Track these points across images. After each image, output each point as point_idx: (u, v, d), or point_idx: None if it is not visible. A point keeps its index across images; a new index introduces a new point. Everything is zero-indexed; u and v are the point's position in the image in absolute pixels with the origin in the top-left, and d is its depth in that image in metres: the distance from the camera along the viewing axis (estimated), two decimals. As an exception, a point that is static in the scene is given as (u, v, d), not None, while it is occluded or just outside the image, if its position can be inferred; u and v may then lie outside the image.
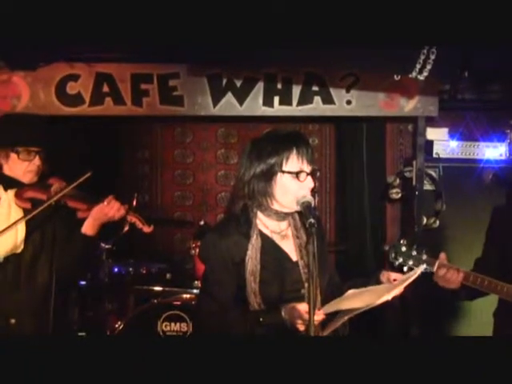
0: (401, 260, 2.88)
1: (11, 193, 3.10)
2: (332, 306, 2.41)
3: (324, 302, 2.48)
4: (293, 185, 2.50)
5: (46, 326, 3.06)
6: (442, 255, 2.96)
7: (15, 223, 3.01)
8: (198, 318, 2.98)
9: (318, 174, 2.61)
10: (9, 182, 3.14)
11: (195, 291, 4.51)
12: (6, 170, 3.15)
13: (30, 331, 3.11)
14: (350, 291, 2.51)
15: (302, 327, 2.39)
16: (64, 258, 3.09)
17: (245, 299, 2.54)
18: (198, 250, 4.63)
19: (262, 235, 2.58)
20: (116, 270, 4.74)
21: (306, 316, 2.31)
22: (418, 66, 2.71)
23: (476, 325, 4.35)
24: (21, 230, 3.10)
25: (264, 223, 2.61)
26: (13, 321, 3.10)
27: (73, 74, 4.27)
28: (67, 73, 4.27)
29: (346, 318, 2.43)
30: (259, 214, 2.60)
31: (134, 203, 3.27)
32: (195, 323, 3.56)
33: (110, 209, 3.03)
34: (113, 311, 4.70)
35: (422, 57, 2.65)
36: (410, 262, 2.88)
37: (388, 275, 2.59)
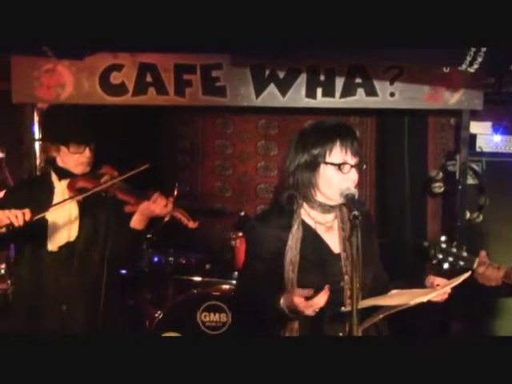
0: (441, 257, 2.87)
1: (64, 183, 3.16)
2: (369, 302, 2.40)
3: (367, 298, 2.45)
4: (336, 176, 2.49)
5: (96, 315, 3.11)
6: (482, 253, 2.93)
7: (60, 203, 3.07)
8: (235, 303, 3.01)
9: (364, 166, 2.58)
10: (62, 173, 3.19)
11: (234, 282, 4.53)
12: (59, 162, 3.21)
13: (80, 319, 3.16)
14: (394, 291, 2.51)
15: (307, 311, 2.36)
16: (114, 249, 3.13)
17: (283, 288, 2.53)
18: (237, 241, 4.66)
19: (305, 226, 2.58)
20: (156, 259, 4.78)
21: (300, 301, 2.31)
22: (469, 59, 2.67)
23: None
24: (74, 221, 3.16)
25: (309, 214, 2.60)
26: (64, 307, 3.15)
27: (116, 64, 4.29)
28: (111, 63, 4.29)
29: (381, 316, 2.43)
30: (305, 205, 2.60)
31: (175, 193, 3.27)
32: (232, 307, 3.56)
33: (156, 206, 3.06)
34: (152, 301, 4.74)
35: (473, 49, 2.61)
36: (450, 259, 2.86)
37: (433, 280, 2.56)
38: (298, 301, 2.31)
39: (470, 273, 2.67)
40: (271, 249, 2.56)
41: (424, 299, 2.32)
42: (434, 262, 2.87)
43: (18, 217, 2.77)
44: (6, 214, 2.79)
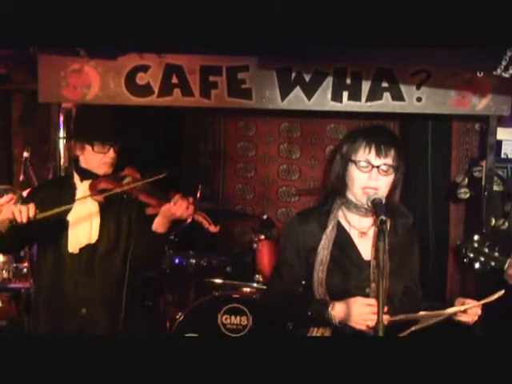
0: (472, 256, 2.82)
1: (86, 184, 3.15)
2: (400, 317, 2.40)
3: (393, 310, 2.45)
4: (358, 175, 2.50)
5: (117, 318, 3.10)
6: None
7: (81, 198, 3.08)
8: (266, 294, 3.03)
9: (399, 170, 2.57)
10: (84, 174, 3.18)
11: (255, 285, 4.53)
12: (82, 162, 3.20)
13: (101, 321, 3.14)
14: (421, 312, 2.48)
15: (360, 326, 2.39)
16: (136, 252, 3.12)
17: (312, 287, 2.56)
18: (259, 244, 4.65)
19: (340, 228, 2.59)
20: (177, 261, 4.77)
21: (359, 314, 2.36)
22: (504, 63, 2.63)
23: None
24: (95, 222, 3.15)
25: (346, 217, 2.60)
26: (84, 310, 3.13)
27: (143, 65, 4.30)
28: (137, 63, 4.30)
29: (413, 328, 2.42)
30: (343, 207, 2.60)
31: (198, 195, 3.27)
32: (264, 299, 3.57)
33: (177, 208, 3.02)
34: (173, 302, 4.74)
35: (509, 53, 2.58)
36: (482, 259, 2.82)
37: (463, 301, 2.54)
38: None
39: (503, 291, 2.64)
40: (306, 246, 2.58)
41: (462, 308, 2.33)
42: (465, 260, 2.83)
43: (21, 212, 2.74)
44: (11, 208, 2.77)
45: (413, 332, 2.44)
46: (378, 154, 2.50)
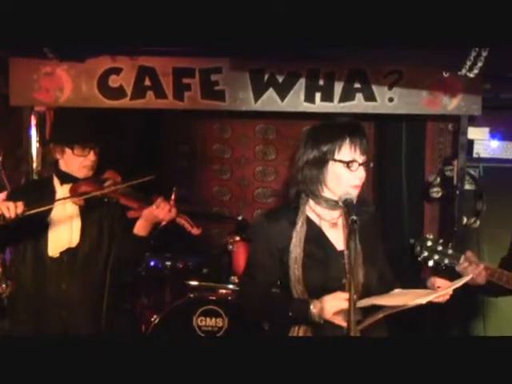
0: (426, 254, 2.85)
1: (66, 187, 3.13)
2: (369, 301, 2.42)
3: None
4: (344, 174, 2.52)
5: (98, 321, 3.10)
6: (469, 252, 2.93)
7: (59, 200, 3.08)
8: (240, 298, 3.04)
9: (372, 165, 2.62)
10: (64, 177, 3.17)
11: (231, 286, 4.53)
12: (62, 165, 3.19)
13: (82, 324, 3.14)
14: (396, 290, 2.52)
15: (339, 322, 2.41)
16: (118, 255, 3.12)
17: (289, 286, 2.58)
18: (235, 246, 4.66)
19: (310, 223, 2.62)
20: (152, 263, 4.77)
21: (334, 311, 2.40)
22: (469, 63, 2.66)
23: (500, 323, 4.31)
24: (76, 226, 3.14)
25: (314, 210, 2.62)
26: (64, 313, 3.12)
27: (115, 68, 4.28)
28: (109, 66, 4.28)
29: (380, 315, 2.44)
30: (310, 202, 2.63)
31: (173, 197, 3.26)
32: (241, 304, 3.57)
33: (160, 211, 3.03)
34: (149, 305, 4.73)
35: (473, 54, 2.61)
36: (436, 257, 2.85)
37: (434, 281, 2.58)
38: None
39: (471, 276, 2.68)
40: (279, 246, 2.60)
41: (423, 301, 2.34)
42: (420, 258, 2.86)
43: (9, 208, 2.73)
44: None
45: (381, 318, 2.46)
46: (362, 151, 2.54)
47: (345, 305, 2.36)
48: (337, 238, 2.62)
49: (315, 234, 2.61)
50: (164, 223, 3.35)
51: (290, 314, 2.51)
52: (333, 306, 2.42)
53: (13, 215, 2.73)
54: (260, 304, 2.68)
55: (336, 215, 2.63)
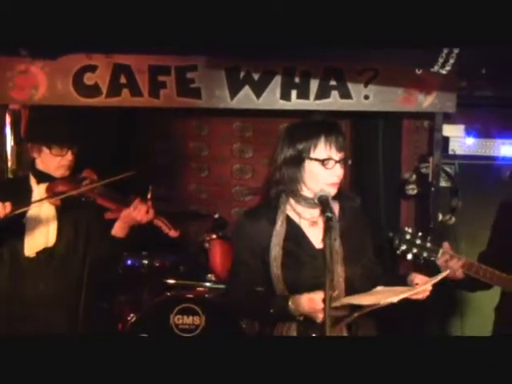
0: (404, 247, 2.86)
1: (43, 187, 3.11)
2: (344, 300, 2.43)
3: (354, 293, 2.50)
4: (320, 172, 2.53)
5: (75, 320, 3.08)
6: (446, 244, 2.95)
7: (36, 202, 3.04)
8: (227, 296, 3.05)
9: (350, 162, 2.62)
10: (41, 176, 3.15)
11: (208, 284, 4.53)
12: (39, 164, 3.16)
13: (59, 324, 3.13)
14: (378, 287, 2.52)
15: (318, 316, 2.41)
16: (95, 256, 3.11)
17: (272, 284, 2.59)
18: (211, 244, 4.65)
19: (289, 221, 2.62)
20: (130, 262, 4.74)
21: (311, 305, 2.38)
22: (441, 60, 2.68)
23: (477, 320, 4.34)
24: (52, 225, 3.12)
25: (295, 209, 2.63)
26: (42, 313, 3.10)
27: (90, 65, 4.26)
28: (85, 63, 4.26)
29: (356, 315, 2.44)
30: (291, 200, 2.63)
31: (149, 196, 3.26)
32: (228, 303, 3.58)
33: (137, 213, 3.03)
34: (126, 304, 4.70)
35: (445, 51, 2.62)
36: (414, 250, 2.86)
37: (413, 278, 2.58)
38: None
39: (448, 271, 2.69)
40: (261, 244, 2.60)
41: (395, 299, 2.33)
42: (398, 252, 2.87)
43: None
44: None
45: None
46: (338, 148, 2.54)
47: (321, 303, 2.36)
48: (316, 236, 2.61)
49: (295, 233, 2.61)
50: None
51: (271, 310, 2.51)
52: (311, 303, 2.42)
53: (1, 215, 2.73)
54: (245, 302, 2.69)
55: (316, 214, 2.63)
